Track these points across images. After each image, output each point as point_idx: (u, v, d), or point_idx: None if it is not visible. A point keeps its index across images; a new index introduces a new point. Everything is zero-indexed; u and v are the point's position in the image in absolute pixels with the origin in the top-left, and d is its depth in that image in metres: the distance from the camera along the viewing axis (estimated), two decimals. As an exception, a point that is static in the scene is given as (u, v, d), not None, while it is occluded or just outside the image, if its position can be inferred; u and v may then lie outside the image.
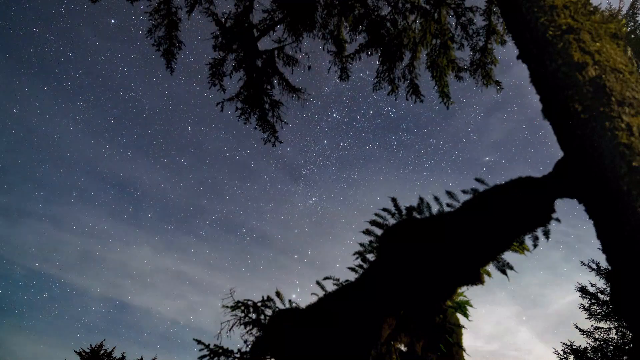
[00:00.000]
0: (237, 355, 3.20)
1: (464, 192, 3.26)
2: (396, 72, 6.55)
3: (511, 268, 3.38)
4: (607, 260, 1.56)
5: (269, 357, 3.15)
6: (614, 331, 11.11)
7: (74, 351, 13.72)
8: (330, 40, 6.36)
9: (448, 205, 3.43)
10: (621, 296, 1.44)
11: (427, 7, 6.03)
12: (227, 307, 3.44)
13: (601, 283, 11.67)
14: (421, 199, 3.74)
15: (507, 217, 2.68)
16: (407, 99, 6.64)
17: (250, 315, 3.40)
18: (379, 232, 3.87)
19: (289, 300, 3.50)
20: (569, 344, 11.59)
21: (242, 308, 3.42)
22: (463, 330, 3.90)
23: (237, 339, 3.36)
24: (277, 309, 3.42)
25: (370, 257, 3.90)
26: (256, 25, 5.99)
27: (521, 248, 3.30)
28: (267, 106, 6.40)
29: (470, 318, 3.95)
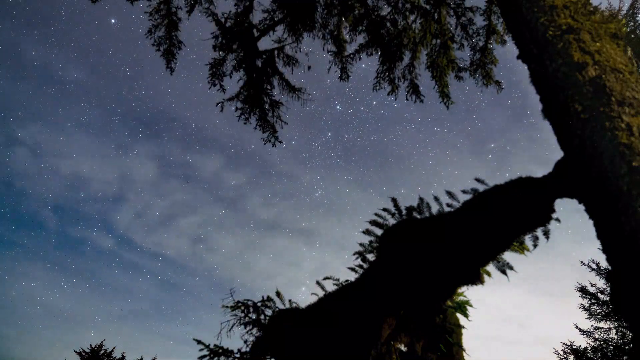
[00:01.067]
0: (237, 355, 3.20)
1: (464, 192, 3.26)
2: (396, 72, 6.54)
3: (511, 268, 3.39)
4: (607, 260, 1.56)
5: (269, 357, 3.14)
6: (614, 331, 11.10)
7: (74, 351, 13.65)
8: (330, 40, 6.35)
9: (448, 205, 3.43)
10: (621, 296, 1.44)
11: (427, 7, 6.02)
12: (227, 307, 3.43)
13: (601, 283, 11.66)
14: (421, 199, 3.73)
15: (507, 217, 2.68)
16: (407, 99, 6.63)
17: (250, 315, 3.39)
18: (379, 232, 3.87)
19: (289, 300, 3.50)
20: (569, 344, 11.58)
21: (242, 308, 3.42)
22: (463, 331, 3.90)
23: (237, 339, 3.36)
24: (277, 309, 3.41)
25: (370, 257, 3.90)
26: (256, 25, 5.99)
27: (521, 248, 3.30)
28: (267, 106, 6.40)
29: (470, 318, 3.95)
